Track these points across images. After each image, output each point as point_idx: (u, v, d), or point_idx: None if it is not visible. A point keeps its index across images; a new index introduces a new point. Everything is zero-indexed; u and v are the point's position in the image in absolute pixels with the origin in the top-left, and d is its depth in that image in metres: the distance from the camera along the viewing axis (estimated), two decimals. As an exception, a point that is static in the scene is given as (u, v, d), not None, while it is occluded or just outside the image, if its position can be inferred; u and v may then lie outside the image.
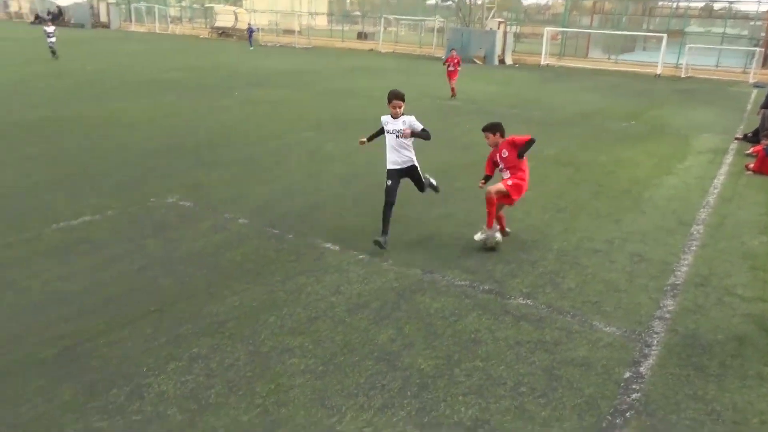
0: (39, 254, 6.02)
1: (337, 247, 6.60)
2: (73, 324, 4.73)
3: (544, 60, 37.58)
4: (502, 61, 38.52)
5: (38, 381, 4.02)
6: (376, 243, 6.46)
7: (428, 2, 65.39)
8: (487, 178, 7.01)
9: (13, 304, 5.02)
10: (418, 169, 7.00)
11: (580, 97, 22.22)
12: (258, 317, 4.99)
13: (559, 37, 44.08)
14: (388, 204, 6.59)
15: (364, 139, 7.12)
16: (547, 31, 39.44)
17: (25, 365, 4.18)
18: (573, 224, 7.80)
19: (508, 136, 6.85)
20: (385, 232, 6.57)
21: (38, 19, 62.07)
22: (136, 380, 4.06)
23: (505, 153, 6.77)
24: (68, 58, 26.97)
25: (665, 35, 35.93)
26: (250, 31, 43.58)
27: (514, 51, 41.01)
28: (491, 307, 5.42)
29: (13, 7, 70.04)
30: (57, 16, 60.61)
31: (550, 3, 64.01)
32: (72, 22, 58.57)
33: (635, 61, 40.26)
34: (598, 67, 37.70)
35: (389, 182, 6.66)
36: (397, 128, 6.69)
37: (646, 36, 47.27)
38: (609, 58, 41.87)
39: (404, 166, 6.82)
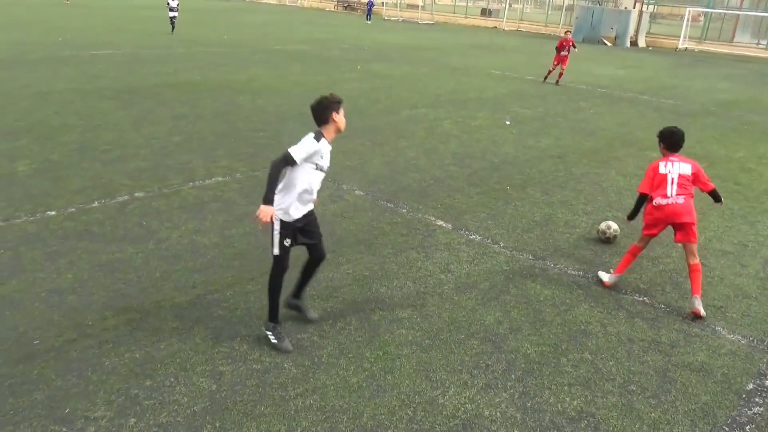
0: (177, 208, 6.60)
1: (449, 226, 6.66)
2: (204, 274, 5.19)
3: (682, 43, 34.85)
4: (634, 43, 36.18)
5: (174, 323, 4.46)
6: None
7: (558, -22, 62.54)
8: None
9: (154, 252, 5.57)
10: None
11: (720, 86, 20.46)
12: (370, 286, 5.20)
13: (702, 18, 40.56)
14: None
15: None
16: (689, 11, 36.40)
17: (164, 307, 4.65)
18: (702, 222, 7.28)
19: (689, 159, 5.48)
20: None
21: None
22: (257, 332, 4.40)
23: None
24: (208, 27, 28.74)
25: (830, 20, 32.00)
26: (370, 4, 44.04)
27: (648, 33, 38.32)
28: (604, 300, 5.26)
29: (161, -22, 75.36)
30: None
31: (695, -19, 58.95)
32: (210, -8, 62.13)
33: (790, 48, 36.27)
34: (744, 53, 34.36)
35: (289, 242, 4.23)
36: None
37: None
38: (758, 44, 37.96)
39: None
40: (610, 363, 4.34)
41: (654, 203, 5.27)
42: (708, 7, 39.37)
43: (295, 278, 4.61)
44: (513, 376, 4.11)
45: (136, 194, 6.91)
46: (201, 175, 7.74)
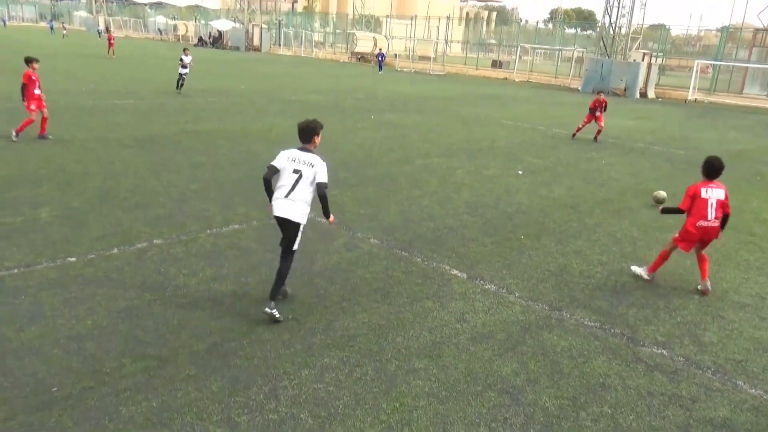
0: (195, 255, 6.69)
1: (464, 275, 6.68)
2: (221, 322, 5.22)
3: (691, 95, 35.23)
4: (643, 95, 36.65)
5: (190, 370, 4.47)
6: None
7: (567, 31, 63.97)
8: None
9: (172, 298, 5.62)
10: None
11: (730, 136, 20.59)
12: (386, 335, 5.19)
13: (710, 70, 41.12)
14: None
15: None
16: (698, 63, 36.97)
17: (181, 355, 4.67)
18: (718, 273, 7.27)
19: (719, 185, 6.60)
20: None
21: (201, 41, 68.74)
22: (274, 382, 4.39)
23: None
24: (226, 77, 29.55)
25: (838, 72, 32.32)
26: (381, 56, 45.24)
27: (657, 84, 38.83)
28: (622, 352, 5.21)
29: (181, 31, 78.15)
30: (217, 40, 66.82)
31: (702, 33, 60.10)
32: (230, 44, 64.19)
33: (800, 100, 36.52)
34: (754, 104, 34.65)
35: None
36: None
37: (815, 72, 42.76)
38: (768, 95, 38.34)
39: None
40: (630, 417, 4.27)
41: (697, 225, 6.37)
42: (716, 60, 39.98)
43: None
44: (532, 429, 4.06)
45: (155, 241, 7.02)
46: (218, 222, 7.86)
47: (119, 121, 15.01)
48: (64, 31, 65.37)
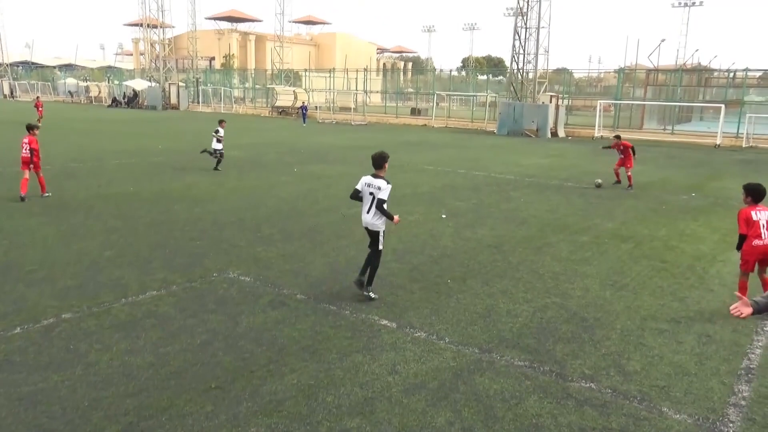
0: (108, 328, 6.27)
1: (393, 324, 6.60)
2: (137, 399, 4.87)
3: (597, 132, 37.48)
4: (554, 134, 38.66)
5: (103, 456, 4.11)
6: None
7: (479, 78, 67.08)
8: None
9: (81, 378, 5.21)
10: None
11: (636, 169, 21.89)
12: (316, 396, 5.00)
13: (612, 109, 44.08)
14: None
15: None
16: (600, 103, 39.55)
17: (92, 440, 4.29)
18: (635, 302, 7.56)
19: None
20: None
21: (115, 102, 66.96)
22: (197, 459, 4.10)
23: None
24: (143, 137, 28.79)
25: (723, 105, 35.39)
26: (304, 108, 45.70)
27: (566, 124, 41.13)
28: (552, 389, 5.25)
29: (93, 92, 75.96)
30: (132, 100, 65.36)
31: (602, 75, 64.52)
32: (146, 104, 62.89)
33: (693, 132, 39.58)
34: (654, 138, 37.26)
35: None
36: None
37: (703, 106, 46.68)
38: (665, 129, 41.37)
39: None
40: (565, 457, 4.26)
41: (753, 244, 7.05)
42: (616, 99, 42.96)
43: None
44: (469, 481, 3.96)
45: (64, 315, 6.55)
46: (134, 290, 7.45)
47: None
48: None
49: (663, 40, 67.50)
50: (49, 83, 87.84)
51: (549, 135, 38.09)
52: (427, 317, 6.86)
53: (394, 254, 9.42)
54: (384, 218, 7.17)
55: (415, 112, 54.69)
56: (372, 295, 7.29)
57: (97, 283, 7.67)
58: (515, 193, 15.79)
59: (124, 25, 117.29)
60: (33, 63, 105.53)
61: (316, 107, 53.59)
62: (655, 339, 6.43)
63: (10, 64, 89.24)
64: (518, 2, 40.30)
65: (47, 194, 13.29)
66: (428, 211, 12.98)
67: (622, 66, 50.33)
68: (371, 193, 7.16)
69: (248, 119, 49.20)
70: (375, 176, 7.23)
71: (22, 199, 12.65)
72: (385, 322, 6.68)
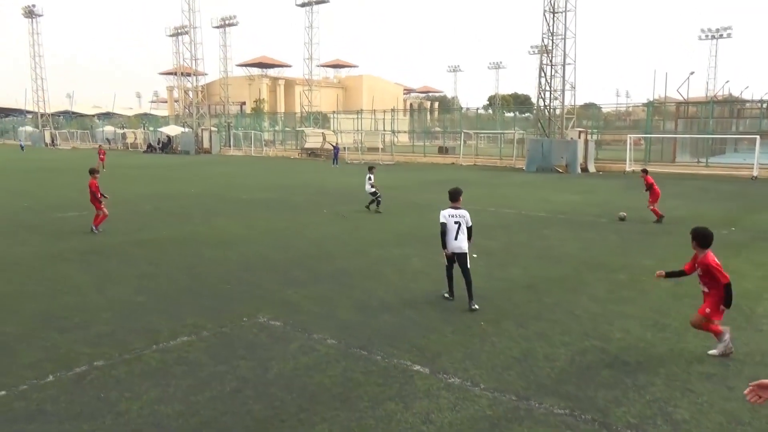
0: (139, 375, 6.23)
1: (426, 370, 6.41)
2: (167, 451, 4.77)
3: (628, 166, 36.98)
4: (585, 170, 38.30)
5: None
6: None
7: (506, 115, 67.31)
8: (678, 274, 7.35)
9: (111, 428, 5.14)
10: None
11: (669, 203, 21.41)
12: (347, 447, 4.83)
13: (643, 142, 43.55)
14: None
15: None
16: (630, 137, 39.13)
17: (121, 495, 4.20)
18: (679, 344, 7.23)
19: (705, 256, 6.90)
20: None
21: (150, 148, 68.93)
22: None
23: (699, 272, 7.01)
24: (176, 182, 29.42)
25: (758, 136, 34.65)
26: (336, 150, 46.19)
27: (596, 159, 40.74)
28: (596, 440, 4.98)
29: (129, 139, 78.53)
30: (166, 145, 67.21)
31: (630, 109, 64.10)
32: (179, 149, 64.60)
33: (728, 164, 38.79)
34: (687, 171, 36.56)
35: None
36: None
37: (737, 138, 45.82)
38: (698, 162, 40.60)
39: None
40: None
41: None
42: (646, 133, 42.47)
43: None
44: None
45: (96, 363, 6.54)
46: (165, 336, 7.43)
47: (61, 234, 14.52)
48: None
49: (692, 73, 67.03)
50: (88, 131, 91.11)
51: (579, 170, 37.74)
52: (461, 362, 6.65)
53: (425, 296, 9.27)
54: (468, 242, 8.71)
55: (442, 150, 54.92)
56: (475, 306, 8.42)
57: (129, 329, 7.68)
58: (547, 230, 15.53)
59: (159, 73, 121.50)
60: (73, 112, 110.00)
61: (344, 148, 54.26)
62: (703, 384, 6.10)
63: (52, 114, 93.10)
64: (543, 40, 40.60)
65: (95, 230, 14.64)
66: (459, 250, 12.80)
67: (651, 99, 49.94)
68: (456, 222, 8.52)
69: (278, 161, 50.04)
70: (455, 207, 8.65)
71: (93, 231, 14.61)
72: (417, 367, 6.49)
